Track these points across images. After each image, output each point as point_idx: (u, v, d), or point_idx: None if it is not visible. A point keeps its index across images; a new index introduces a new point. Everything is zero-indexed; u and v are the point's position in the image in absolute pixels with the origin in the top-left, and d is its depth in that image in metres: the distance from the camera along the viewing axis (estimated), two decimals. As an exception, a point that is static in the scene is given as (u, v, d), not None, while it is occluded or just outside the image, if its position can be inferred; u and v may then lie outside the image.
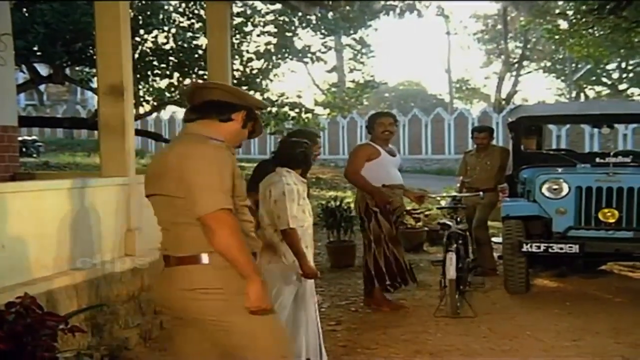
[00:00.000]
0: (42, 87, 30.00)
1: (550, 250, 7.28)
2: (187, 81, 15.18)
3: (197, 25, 14.75)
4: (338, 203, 10.28)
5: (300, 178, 4.84)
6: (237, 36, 15.64)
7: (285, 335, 3.28)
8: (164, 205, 3.05)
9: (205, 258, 2.99)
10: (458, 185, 9.66)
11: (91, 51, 11.97)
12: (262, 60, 16.57)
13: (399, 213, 7.21)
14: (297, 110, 17.14)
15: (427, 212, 11.98)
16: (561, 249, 7.25)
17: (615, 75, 40.32)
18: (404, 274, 7.06)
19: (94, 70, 9.07)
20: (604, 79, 40.65)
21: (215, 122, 3.16)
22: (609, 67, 38.40)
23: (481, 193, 8.31)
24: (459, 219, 7.68)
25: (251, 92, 16.21)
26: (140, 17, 13.19)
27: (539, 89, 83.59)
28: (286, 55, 17.72)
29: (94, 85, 12.34)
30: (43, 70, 15.41)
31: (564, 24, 18.96)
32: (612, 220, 7.40)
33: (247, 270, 2.97)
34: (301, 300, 4.77)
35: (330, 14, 20.10)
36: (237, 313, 3.01)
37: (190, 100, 3.27)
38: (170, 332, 3.16)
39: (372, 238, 6.99)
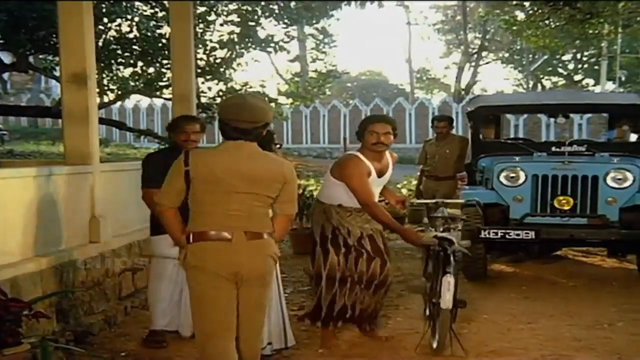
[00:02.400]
0: (5, 76, 29.52)
1: (507, 236, 7.41)
2: (151, 70, 15.13)
3: (160, 14, 14.67)
4: (301, 191, 10.35)
5: None
6: (201, 25, 15.61)
7: None
8: (253, 199, 3.72)
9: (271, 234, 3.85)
10: (418, 173, 9.82)
11: (55, 39, 11.85)
12: (226, 50, 16.56)
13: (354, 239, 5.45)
14: (260, 99, 17.16)
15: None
16: (518, 235, 7.41)
17: (571, 66, 40.94)
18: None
19: (58, 59, 9.02)
20: (560, 70, 41.23)
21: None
22: (564, 58, 38.97)
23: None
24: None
25: (214, 81, 16.30)
26: (103, 6, 13.09)
27: (498, 79, 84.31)
28: (249, 44, 17.73)
29: (58, 73, 12.27)
30: (6, 58, 15.24)
31: (521, 15, 19.20)
32: (567, 207, 7.59)
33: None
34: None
35: (292, 4, 20.14)
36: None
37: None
38: (208, 291, 3.69)
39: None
